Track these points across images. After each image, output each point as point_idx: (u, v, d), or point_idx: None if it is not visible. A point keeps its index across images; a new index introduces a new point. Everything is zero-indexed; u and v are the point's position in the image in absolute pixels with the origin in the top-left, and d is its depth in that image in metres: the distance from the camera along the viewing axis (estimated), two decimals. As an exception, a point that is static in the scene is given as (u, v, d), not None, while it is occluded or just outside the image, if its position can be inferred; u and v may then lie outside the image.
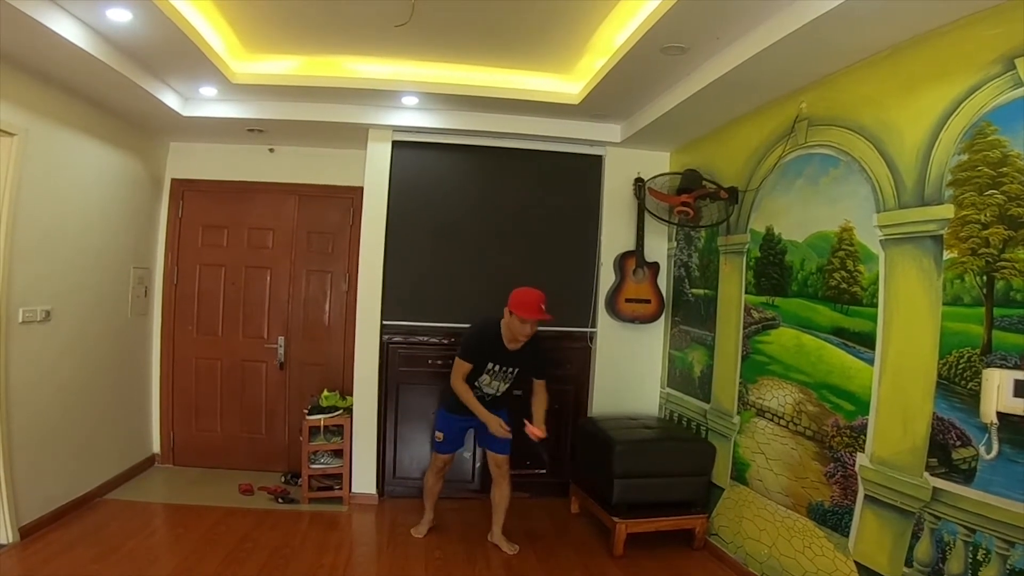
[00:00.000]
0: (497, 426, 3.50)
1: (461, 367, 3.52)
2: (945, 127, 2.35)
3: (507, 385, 3.62)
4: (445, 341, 4.53)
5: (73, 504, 3.85)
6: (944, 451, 2.30)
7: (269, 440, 5.01)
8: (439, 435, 3.75)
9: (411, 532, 3.90)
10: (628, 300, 4.53)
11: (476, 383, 3.57)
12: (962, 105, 2.28)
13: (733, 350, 3.73)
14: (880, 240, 2.66)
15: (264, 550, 3.56)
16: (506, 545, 3.72)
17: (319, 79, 3.89)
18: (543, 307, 3.40)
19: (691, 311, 4.31)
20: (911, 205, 2.50)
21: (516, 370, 3.58)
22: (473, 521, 4.10)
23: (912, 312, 2.48)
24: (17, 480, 3.35)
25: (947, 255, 2.33)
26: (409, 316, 4.53)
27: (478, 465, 4.56)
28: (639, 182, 4.43)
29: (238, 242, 5.00)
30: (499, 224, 4.62)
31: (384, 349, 4.52)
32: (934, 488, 2.33)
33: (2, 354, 3.26)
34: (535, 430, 3.50)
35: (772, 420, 3.33)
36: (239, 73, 3.82)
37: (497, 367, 3.54)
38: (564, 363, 4.65)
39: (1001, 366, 2.09)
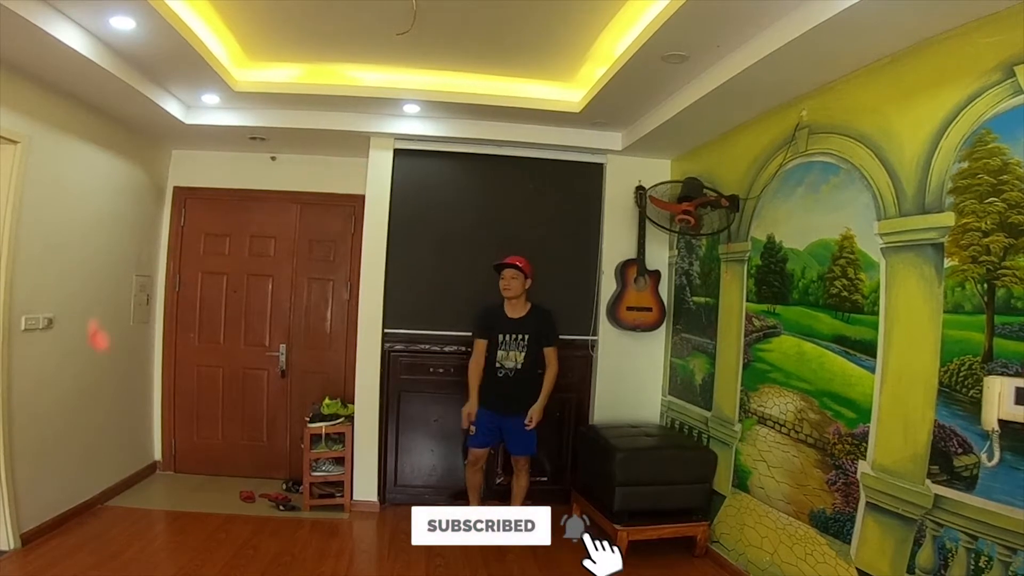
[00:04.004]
0: (466, 415, 3.83)
1: (476, 347, 3.86)
2: (945, 135, 2.36)
3: (523, 354, 3.82)
4: (447, 349, 4.53)
5: (74, 511, 3.84)
6: (946, 458, 2.29)
7: (270, 448, 5.00)
8: (472, 428, 3.88)
9: None
10: (629, 308, 4.52)
11: (497, 362, 3.82)
12: (962, 113, 2.29)
13: (734, 358, 3.73)
14: (881, 248, 2.66)
15: (265, 557, 3.56)
16: None
17: (321, 87, 3.91)
18: (511, 259, 3.85)
19: (692, 319, 4.30)
20: (912, 213, 2.51)
21: (526, 336, 3.83)
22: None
23: (913, 320, 2.48)
24: (19, 487, 3.35)
25: (948, 263, 2.34)
26: (410, 324, 4.54)
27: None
28: (640, 190, 4.43)
29: (240, 250, 5.01)
30: (500, 231, 4.62)
31: (385, 357, 4.52)
32: (936, 495, 2.32)
33: (4, 361, 3.26)
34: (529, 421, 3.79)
35: (773, 428, 3.33)
36: (241, 81, 3.84)
37: (508, 337, 3.83)
38: (566, 371, 4.58)
39: (1002, 374, 2.09)
